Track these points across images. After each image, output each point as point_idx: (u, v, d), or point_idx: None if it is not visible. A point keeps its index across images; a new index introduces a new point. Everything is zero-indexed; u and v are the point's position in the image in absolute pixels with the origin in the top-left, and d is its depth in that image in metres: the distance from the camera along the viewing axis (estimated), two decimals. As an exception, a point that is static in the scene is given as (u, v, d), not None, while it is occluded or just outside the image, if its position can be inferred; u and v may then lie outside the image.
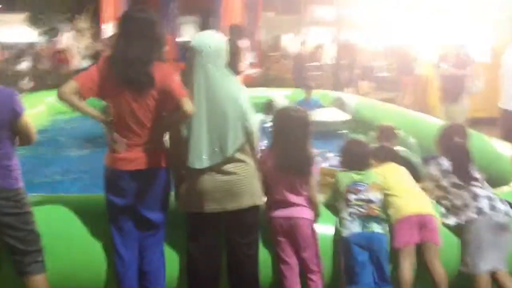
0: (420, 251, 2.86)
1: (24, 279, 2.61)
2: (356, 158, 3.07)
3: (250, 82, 12.17)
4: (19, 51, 17.08)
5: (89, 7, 12.23)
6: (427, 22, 9.73)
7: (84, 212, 2.92)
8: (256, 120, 2.74)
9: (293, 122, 2.82)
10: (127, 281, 2.68)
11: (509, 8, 8.48)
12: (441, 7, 9.46)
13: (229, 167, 2.64)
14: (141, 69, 2.58)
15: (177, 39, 13.94)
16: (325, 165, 4.46)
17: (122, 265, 2.67)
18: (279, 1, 20.81)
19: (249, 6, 15.14)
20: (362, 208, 2.90)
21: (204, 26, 14.54)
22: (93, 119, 2.66)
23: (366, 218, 2.87)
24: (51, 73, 9.99)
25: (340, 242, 2.87)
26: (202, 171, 2.61)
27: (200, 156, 2.59)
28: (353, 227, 2.84)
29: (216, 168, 2.61)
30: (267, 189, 2.84)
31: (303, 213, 2.83)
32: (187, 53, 2.72)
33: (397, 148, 3.90)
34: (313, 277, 2.79)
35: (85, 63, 9.43)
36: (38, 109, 7.68)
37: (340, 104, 7.22)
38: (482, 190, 3.05)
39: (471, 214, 2.95)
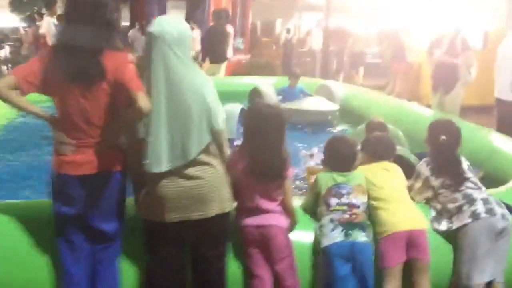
0: (408, 267, 2.57)
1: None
2: (340, 157, 2.75)
3: (239, 69, 11.88)
4: (1, 36, 16.58)
5: None
6: (420, 7, 9.40)
7: (27, 220, 2.56)
8: (224, 117, 2.42)
9: (265, 120, 2.50)
10: None
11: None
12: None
13: (193, 170, 2.32)
14: (90, 59, 2.25)
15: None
16: (312, 163, 4.14)
17: (70, 284, 2.35)
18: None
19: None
20: (345, 213, 2.60)
21: (191, 10, 14.21)
22: (36, 117, 2.33)
23: (349, 225, 2.57)
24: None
25: (319, 252, 2.57)
26: (162, 176, 2.29)
27: (159, 158, 2.27)
28: (334, 236, 2.54)
29: (178, 172, 2.30)
30: (237, 195, 2.53)
31: (278, 221, 2.53)
32: (145, 40, 2.38)
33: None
34: (288, 292, 2.50)
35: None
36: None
37: (326, 93, 6.88)
38: (477, 192, 2.76)
39: (465, 219, 2.66)
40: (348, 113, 6.40)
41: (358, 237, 2.53)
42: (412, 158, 3.45)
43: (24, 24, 16.32)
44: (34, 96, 2.30)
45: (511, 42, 5.34)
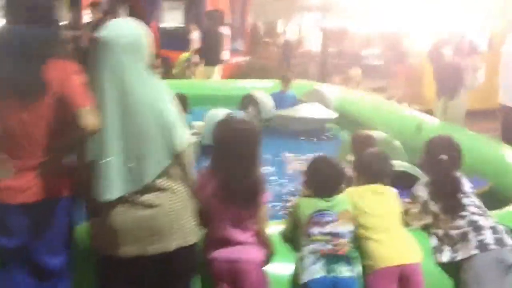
0: None
1: None
2: (323, 179, 2.42)
3: (237, 71, 11.55)
4: None
5: None
6: (421, 8, 9.05)
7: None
8: (187, 135, 2.10)
9: (237, 137, 2.18)
10: None
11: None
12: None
13: (150, 197, 2.01)
14: (29, 68, 1.95)
15: (161, 25, 13.29)
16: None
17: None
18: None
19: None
20: (328, 244, 2.28)
21: (188, 11, 13.86)
22: None
23: (332, 258, 2.24)
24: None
25: (298, 289, 2.25)
26: (116, 204, 1.98)
27: (111, 184, 1.95)
28: (315, 270, 2.21)
29: (133, 200, 1.99)
30: (206, 223, 2.21)
31: (251, 254, 2.20)
32: (95, 47, 2.06)
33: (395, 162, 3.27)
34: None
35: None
36: None
37: (318, 98, 6.49)
38: (483, 218, 2.43)
39: (472, 249, 2.33)
40: (343, 119, 6.02)
41: (342, 272, 2.21)
42: (418, 172, 3.12)
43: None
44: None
45: None
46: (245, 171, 2.18)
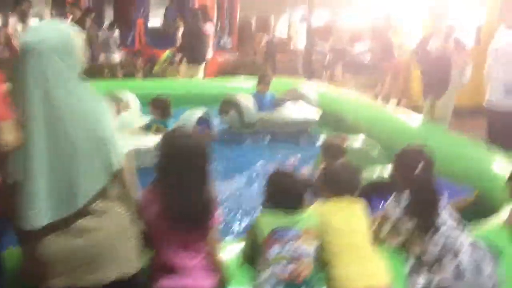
0: None
1: None
2: (284, 193, 2.20)
3: (223, 69, 11.31)
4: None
5: None
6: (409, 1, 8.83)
7: None
8: (127, 149, 1.88)
9: (182, 153, 1.96)
10: None
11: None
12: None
13: (84, 222, 1.79)
14: None
15: (149, 23, 13.01)
16: None
17: None
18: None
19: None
20: (289, 265, 2.06)
21: (170, 9, 13.57)
22: None
23: (292, 282, 2.03)
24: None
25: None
26: (45, 231, 1.75)
27: (38, 209, 1.73)
28: (274, 299, 2.00)
29: (64, 225, 1.76)
30: (150, 248, 1.99)
31: (201, 280, 1.98)
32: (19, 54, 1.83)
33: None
34: None
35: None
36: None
37: (298, 96, 6.24)
38: (463, 236, 2.22)
39: (448, 275, 2.12)
40: (326, 118, 5.80)
41: (303, 300, 2.00)
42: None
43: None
44: None
45: (506, 37, 4.62)
46: (192, 189, 1.96)
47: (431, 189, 2.32)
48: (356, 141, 3.67)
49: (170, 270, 1.97)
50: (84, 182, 1.75)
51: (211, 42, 8.70)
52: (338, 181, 2.38)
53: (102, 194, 1.80)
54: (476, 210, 3.08)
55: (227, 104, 5.88)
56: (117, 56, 9.60)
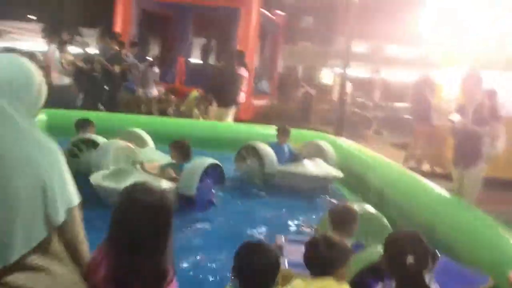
0: None
1: None
2: (250, 272, 1.97)
3: (258, 115, 11.24)
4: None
5: (102, 26, 11.71)
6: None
7: None
8: (76, 200, 1.70)
9: (138, 212, 1.77)
10: None
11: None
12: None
13: (17, 279, 1.61)
14: None
15: (190, 61, 13.24)
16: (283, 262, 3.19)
17: None
18: (316, 31, 20.14)
19: (268, 33, 14.31)
20: None
21: (207, 49, 13.79)
22: None
23: None
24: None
25: None
26: None
27: None
28: None
29: None
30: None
31: None
32: None
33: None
34: None
35: (67, 80, 8.62)
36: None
37: (315, 150, 5.99)
38: None
39: None
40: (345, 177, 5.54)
41: None
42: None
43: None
44: None
45: None
46: (145, 256, 1.76)
47: (423, 279, 2.03)
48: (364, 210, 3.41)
49: None
50: (20, 234, 1.59)
51: (244, 86, 8.63)
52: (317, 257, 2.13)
53: (42, 249, 1.63)
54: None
55: (246, 151, 5.68)
56: (154, 91, 9.68)
